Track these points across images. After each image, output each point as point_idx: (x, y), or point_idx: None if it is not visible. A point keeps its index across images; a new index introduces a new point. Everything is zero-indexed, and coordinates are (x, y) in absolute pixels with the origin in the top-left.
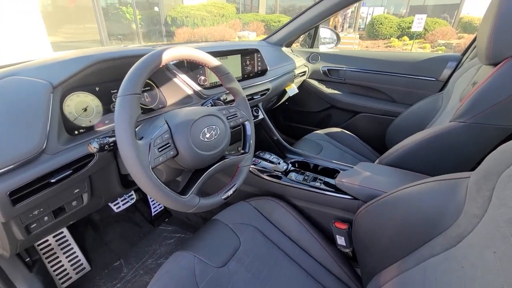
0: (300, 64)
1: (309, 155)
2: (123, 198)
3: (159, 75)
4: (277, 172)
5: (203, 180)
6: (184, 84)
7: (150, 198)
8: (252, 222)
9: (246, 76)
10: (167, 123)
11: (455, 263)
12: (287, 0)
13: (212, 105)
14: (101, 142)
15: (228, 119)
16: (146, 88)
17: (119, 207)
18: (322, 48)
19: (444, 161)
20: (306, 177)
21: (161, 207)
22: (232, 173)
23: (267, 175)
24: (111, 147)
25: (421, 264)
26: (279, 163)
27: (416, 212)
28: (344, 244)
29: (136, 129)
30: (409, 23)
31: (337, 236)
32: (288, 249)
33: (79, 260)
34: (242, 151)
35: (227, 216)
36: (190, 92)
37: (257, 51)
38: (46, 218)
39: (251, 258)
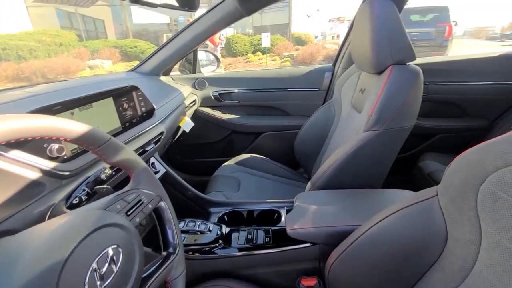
0: (188, 92)
1: (233, 202)
2: None
3: None
4: (211, 246)
5: None
6: (20, 164)
7: None
8: None
9: (128, 125)
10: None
11: None
12: (137, 25)
13: (87, 199)
14: None
15: (129, 215)
16: None
17: None
18: (205, 72)
19: (370, 169)
20: (249, 236)
21: None
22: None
23: (201, 253)
24: None
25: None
26: (210, 230)
27: (398, 247)
28: None
29: None
30: (258, 40)
31: None
32: None
33: None
34: (164, 253)
35: None
36: (34, 175)
37: (135, 88)
38: None
39: None
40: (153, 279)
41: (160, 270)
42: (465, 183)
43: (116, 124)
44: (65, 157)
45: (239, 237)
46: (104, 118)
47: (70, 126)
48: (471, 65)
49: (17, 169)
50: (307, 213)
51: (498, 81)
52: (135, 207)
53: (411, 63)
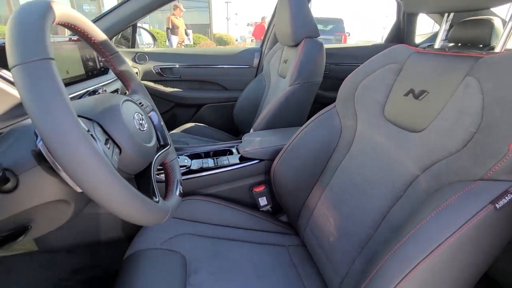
0: (130, 64)
1: (190, 146)
2: None
3: None
4: (182, 169)
5: (152, 183)
6: (8, 83)
7: None
8: (180, 231)
9: (90, 75)
10: (82, 116)
11: (360, 152)
12: None
13: None
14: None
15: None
16: None
17: None
18: (144, 48)
19: (294, 114)
20: (213, 159)
21: None
22: None
23: None
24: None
25: (335, 173)
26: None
27: (314, 144)
28: (266, 203)
29: None
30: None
31: (258, 199)
32: (228, 235)
33: None
34: (159, 146)
35: (147, 239)
36: None
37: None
38: None
39: (205, 263)
40: (157, 155)
41: (160, 152)
42: (348, 92)
43: (81, 71)
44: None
45: (202, 163)
46: (72, 62)
47: (99, 32)
48: (358, 51)
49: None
50: (254, 141)
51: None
52: (140, 104)
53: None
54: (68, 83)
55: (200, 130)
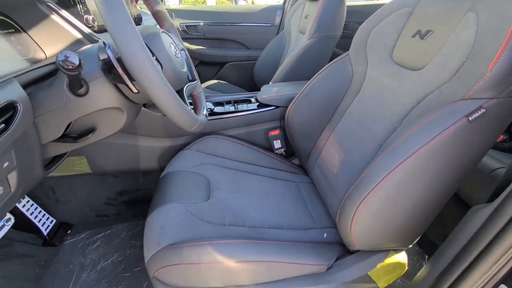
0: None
1: (213, 95)
2: None
3: (28, 12)
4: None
5: (185, 102)
6: (69, 24)
7: (35, 216)
8: (204, 161)
9: None
10: None
11: (367, 94)
12: None
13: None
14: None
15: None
16: (10, 31)
17: None
18: (170, 5)
19: (313, 68)
20: (234, 105)
21: (53, 221)
22: None
23: None
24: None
25: (344, 115)
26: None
27: (326, 90)
28: (280, 146)
29: None
30: None
31: (273, 142)
32: (245, 169)
33: None
34: (189, 79)
35: (178, 165)
36: (78, 35)
37: None
38: None
39: (225, 184)
40: (187, 84)
41: (189, 84)
42: (362, 39)
43: None
44: (95, 29)
45: (224, 108)
46: None
47: None
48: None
49: (67, 27)
50: (271, 90)
51: None
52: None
53: None
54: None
55: (222, 87)
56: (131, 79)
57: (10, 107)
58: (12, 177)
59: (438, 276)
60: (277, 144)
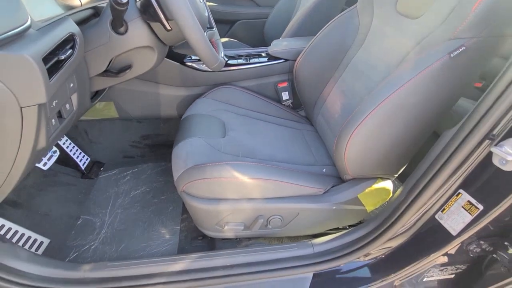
0: None
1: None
2: (47, 154)
3: None
4: None
5: None
6: None
7: (74, 153)
8: (219, 108)
9: None
10: None
11: (371, 44)
12: None
13: None
14: None
15: None
16: None
17: (45, 163)
18: None
19: (322, 23)
20: (246, 58)
21: (88, 158)
22: None
23: None
24: None
25: (348, 66)
26: None
27: (333, 39)
28: (287, 97)
29: None
30: None
31: (282, 93)
32: (255, 116)
33: (30, 237)
34: (207, 27)
35: (197, 110)
36: None
37: None
38: (53, 121)
39: (238, 126)
40: (206, 31)
41: (208, 30)
42: None
43: None
44: None
45: (236, 61)
46: None
47: None
48: None
49: None
50: (281, 44)
51: None
52: None
53: None
54: None
55: (233, 45)
56: (166, 18)
57: (70, 39)
58: (74, 98)
59: (408, 190)
60: (285, 95)
